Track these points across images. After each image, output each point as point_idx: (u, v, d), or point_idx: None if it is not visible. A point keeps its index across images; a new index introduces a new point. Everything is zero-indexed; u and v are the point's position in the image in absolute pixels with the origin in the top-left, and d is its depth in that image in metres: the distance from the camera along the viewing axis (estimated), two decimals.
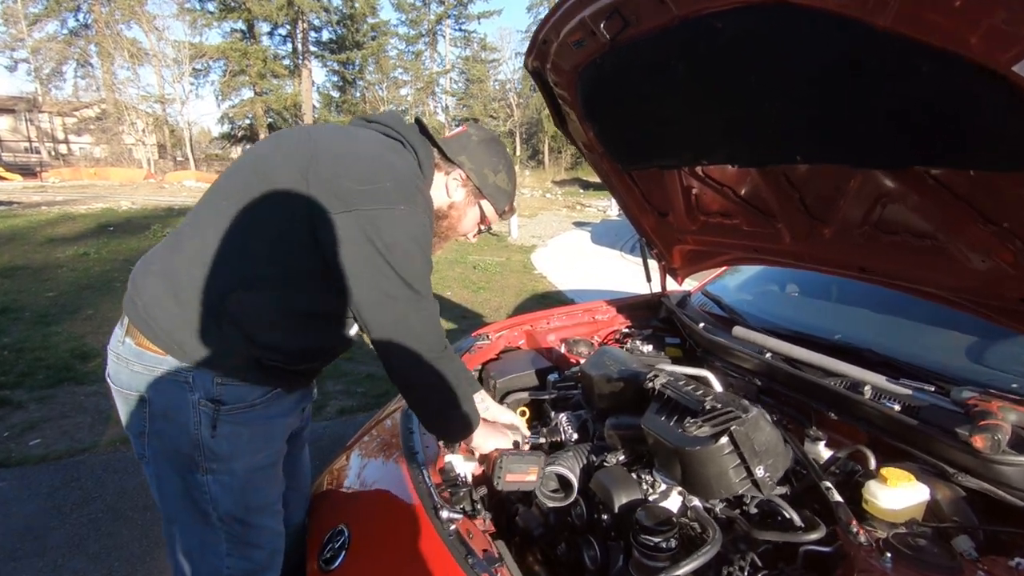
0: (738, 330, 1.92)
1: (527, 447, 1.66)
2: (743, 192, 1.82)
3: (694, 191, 2.01)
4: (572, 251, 10.53)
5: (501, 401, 2.04)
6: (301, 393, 1.41)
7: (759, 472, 1.17)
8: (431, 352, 1.27)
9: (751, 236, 1.91)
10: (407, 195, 1.24)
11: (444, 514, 1.28)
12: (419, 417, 1.45)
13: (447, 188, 1.48)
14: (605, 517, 1.44)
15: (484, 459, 1.57)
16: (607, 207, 18.21)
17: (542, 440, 1.73)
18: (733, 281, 2.73)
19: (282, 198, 1.21)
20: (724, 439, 1.15)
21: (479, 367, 2.24)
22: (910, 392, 1.44)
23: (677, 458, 1.24)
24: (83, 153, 30.32)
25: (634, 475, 1.47)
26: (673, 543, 1.24)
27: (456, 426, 1.42)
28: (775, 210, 1.71)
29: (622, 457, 1.51)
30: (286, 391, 1.32)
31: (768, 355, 1.79)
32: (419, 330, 1.25)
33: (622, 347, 2.30)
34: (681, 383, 1.38)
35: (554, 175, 38.96)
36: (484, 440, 1.50)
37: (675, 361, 2.21)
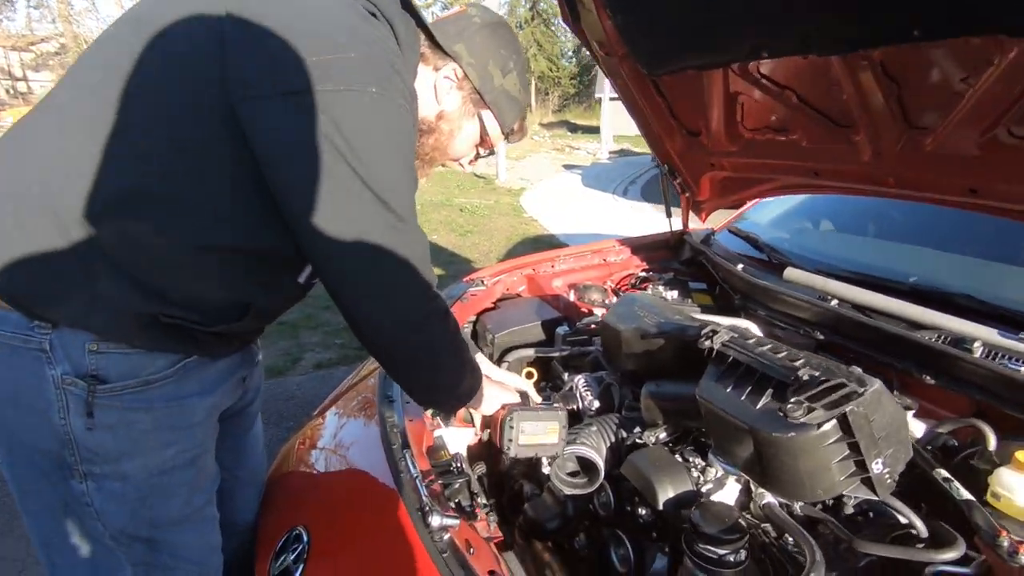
0: (792, 272, 1.57)
1: None
2: (810, 95, 1.42)
3: (741, 99, 1.60)
4: (563, 194, 10.06)
5: (500, 360, 1.69)
6: (234, 360, 1.04)
7: (876, 467, 0.83)
8: (419, 305, 0.90)
9: (813, 155, 1.53)
10: (380, 74, 0.83)
11: (435, 520, 0.94)
12: (407, 391, 1.10)
13: (436, 90, 1.07)
14: (643, 512, 1.12)
15: (486, 423, 1.23)
16: (597, 150, 17.58)
17: (556, 406, 1.39)
18: (763, 217, 2.35)
19: (183, 75, 0.80)
20: (830, 423, 0.81)
21: (472, 319, 1.87)
22: None
23: (753, 444, 0.90)
24: (44, 91, 28.52)
25: (678, 457, 1.14)
26: (743, 555, 0.93)
27: (455, 396, 1.07)
28: (855, 116, 1.32)
29: (663, 435, 1.18)
30: (206, 359, 0.95)
31: (834, 302, 1.44)
32: (401, 273, 0.88)
33: (638, 292, 1.94)
34: (751, 341, 1.02)
35: (541, 117, 37.68)
36: (487, 400, 1.16)
37: (704, 310, 1.87)
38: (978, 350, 1.17)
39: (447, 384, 1.03)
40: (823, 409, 0.79)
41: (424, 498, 0.98)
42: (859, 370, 0.86)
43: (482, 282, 1.98)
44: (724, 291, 1.94)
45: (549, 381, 1.64)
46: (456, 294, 1.90)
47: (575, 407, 1.40)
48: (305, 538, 1.06)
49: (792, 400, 0.82)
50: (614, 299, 1.95)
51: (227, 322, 0.92)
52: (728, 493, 1.10)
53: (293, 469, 1.32)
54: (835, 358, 1.45)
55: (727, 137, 1.74)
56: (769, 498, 0.99)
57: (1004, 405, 1.09)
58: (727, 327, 1.10)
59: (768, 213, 2.37)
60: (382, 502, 1.05)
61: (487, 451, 1.48)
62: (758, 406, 0.91)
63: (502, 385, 1.21)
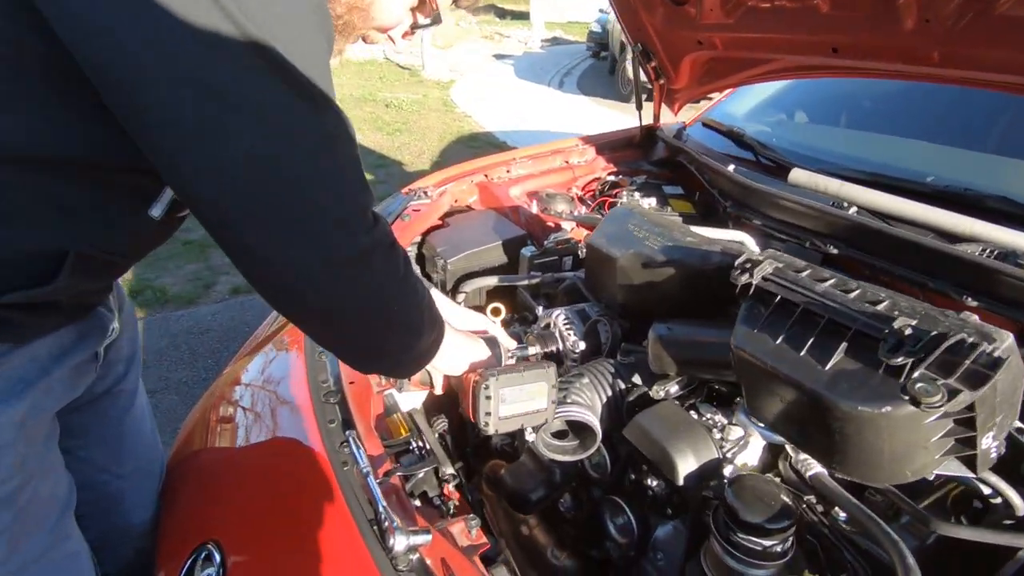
0: (799, 174, 1.33)
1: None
2: None
3: None
4: (496, 87, 9.34)
5: (455, 292, 1.39)
6: (65, 337, 0.68)
7: (986, 442, 0.63)
8: (353, 234, 0.58)
9: (833, 25, 1.23)
10: None
11: (398, 542, 0.68)
12: (345, 360, 0.79)
13: None
14: (653, 484, 0.91)
15: (451, 385, 0.96)
16: (528, 38, 16.41)
17: (532, 351, 1.14)
18: (738, 109, 2.07)
19: None
20: (939, 395, 0.59)
21: (417, 240, 1.55)
22: None
23: (817, 412, 0.68)
24: None
25: (693, 414, 0.93)
26: (790, 542, 0.74)
27: (412, 358, 0.77)
28: None
29: (674, 388, 0.95)
30: (14, 344, 0.60)
31: (852, 209, 1.22)
32: (322, 187, 0.56)
33: (611, 200, 1.67)
34: (804, 274, 0.78)
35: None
36: (452, 358, 0.88)
37: (686, 219, 1.62)
38: None
39: (400, 344, 0.73)
40: (963, 385, 0.56)
41: (381, 508, 0.72)
42: (974, 317, 0.64)
43: (425, 193, 1.63)
44: (706, 197, 1.69)
45: (520, 319, 1.37)
46: (394, 210, 1.54)
47: (554, 348, 1.15)
48: (217, 559, 0.79)
49: (916, 372, 0.58)
50: (582, 209, 1.67)
51: (32, 284, 0.57)
52: (752, 453, 0.91)
53: (201, 456, 1.02)
54: (847, 277, 1.27)
55: (723, 6, 1.41)
56: (817, 467, 0.79)
57: None
58: (767, 255, 0.85)
59: (743, 104, 2.09)
60: (321, 508, 0.78)
61: (447, 401, 1.22)
62: (828, 365, 0.68)
63: (467, 334, 0.92)
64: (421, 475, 0.84)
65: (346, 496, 0.77)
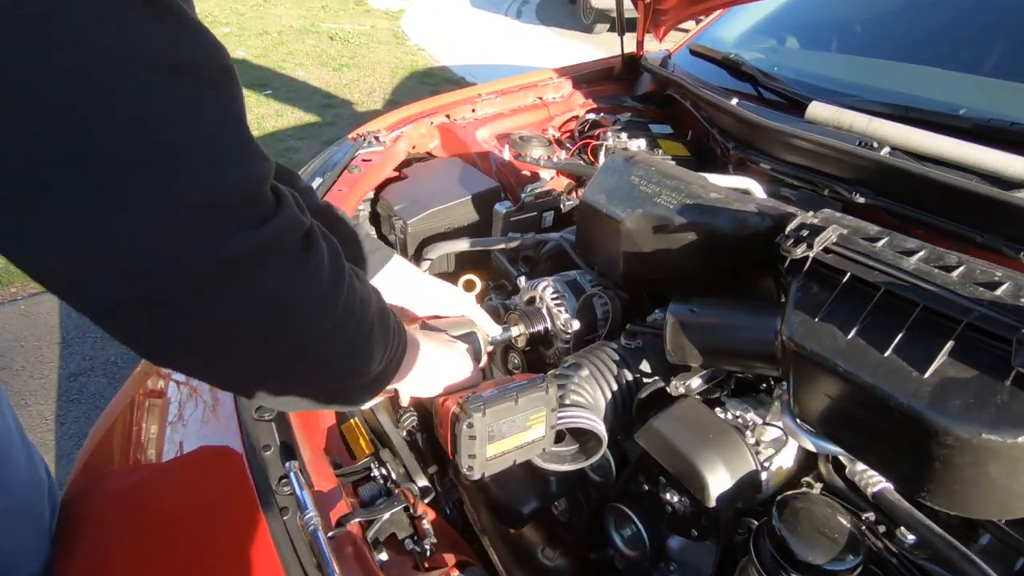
0: (819, 109, 1.13)
1: (491, 352, 0.88)
2: None
3: None
4: (449, 16, 8.69)
5: (417, 259, 1.17)
6: None
7: None
8: (225, 234, 0.35)
9: None
10: None
11: None
12: (261, 403, 0.57)
13: None
14: (674, 500, 0.75)
15: (424, 404, 0.76)
16: None
17: (516, 332, 0.95)
18: (727, 34, 1.84)
19: None
20: None
21: (370, 196, 1.30)
22: None
23: (914, 434, 0.51)
24: None
25: (720, 412, 0.76)
26: None
27: (358, 385, 0.55)
28: None
29: (697, 381, 0.78)
30: None
31: (884, 150, 1.04)
32: (161, 152, 0.32)
33: (594, 143, 1.44)
34: (881, 243, 0.60)
35: None
36: (419, 378, 0.67)
37: (680, 164, 1.42)
38: None
39: (334, 376, 0.50)
40: None
41: (326, 555, 0.53)
42: None
43: (376, 139, 1.37)
44: (701, 137, 1.49)
45: (496, 288, 1.17)
46: (339, 160, 1.28)
47: (542, 328, 0.96)
48: None
49: None
50: (561, 154, 1.44)
51: None
52: (787, 454, 0.76)
53: (104, 488, 0.80)
54: (876, 231, 1.10)
55: None
56: (883, 482, 0.64)
57: None
58: (815, 217, 0.66)
59: (734, 28, 1.85)
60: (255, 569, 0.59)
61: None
62: (929, 372, 0.51)
63: (437, 341, 0.71)
64: (388, 516, 0.65)
65: (285, 560, 0.57)
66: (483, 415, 0.63)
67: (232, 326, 0.38)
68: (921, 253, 0.56)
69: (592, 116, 1.60)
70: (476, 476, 0.64)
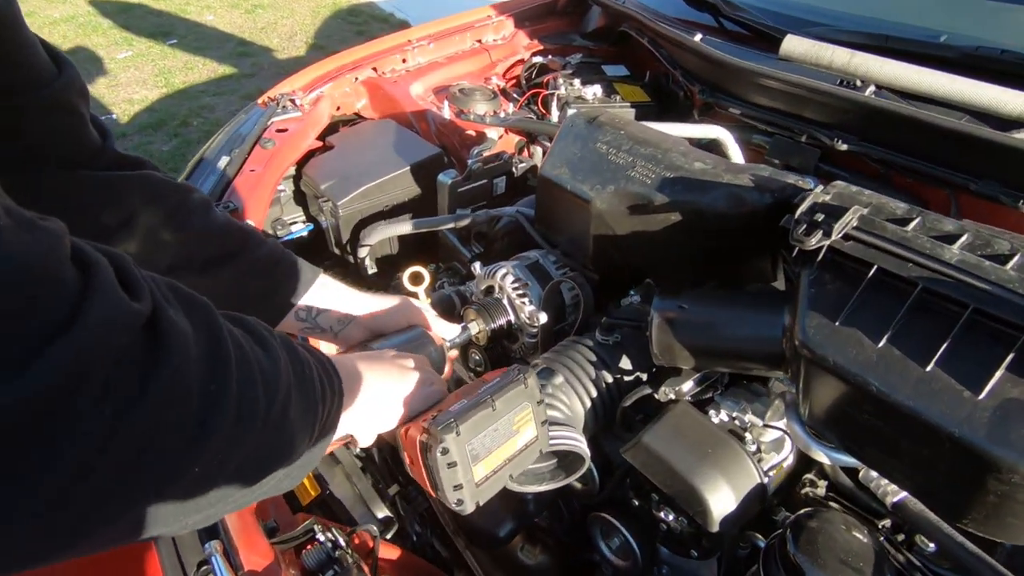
0: (794, 43, 1.00)
1: (452, 358, 0.75)
2: None
3: None
4: None
5: (353, 247, 1.02)
6: None
7: None
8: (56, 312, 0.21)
9: None
10: None
11: None
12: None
13: None
14: (670, 519, 0.67)
15: (384, 441, 0.64)
16: None
17: (475, 330, 0.82)
18: None
19: None
20: None
21: (291, 173, 1.12)
22: None
23: (967, 469, 0.43)
24: None
25: (714, 415, 0.67)
26: None
27: (294, 467, 0.42)
28: None
29: (688, 385, 0.68)
30: None
31: (870, 89, 0.93)
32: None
33: (544, 92, 1.28)
34: (912, 225, 0.49)
35: None
36: (369, 418, 0.54)
37: (641, 110, 1.28)
38: None
39: (259, 476, 0.36)
40: None
41: None
42: None
43: (292, 102, 1.16)
44: (661, 77, 1.34)
45: (441, 266, 1.03)
46: (249, 132, 1.08)
47: (504, 322, 0.84)
48: None
49: None
50: (509, 108, 1.27)
51: None
52: (785, 452, 0.68)
53: None
54: (862, 179, 1.02)
55: None
56: (904, 495, 0.56)
57: None
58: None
59: None
60: None
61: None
62: (984, 393, 0.42)
63: (378, 363, 0.58)
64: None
65: None
66: (456, 435, 0.51)
67: (52, 503, 0.23)
68: (964, 238, 0.46)
69: (539, 59, 1.42)
70: (470, 509, 0.53)
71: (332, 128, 1.22)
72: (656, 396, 0.67)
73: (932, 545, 0.59)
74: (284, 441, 0.37)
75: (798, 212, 0.52)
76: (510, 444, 0.56)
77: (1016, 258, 0.44)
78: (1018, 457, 0.39)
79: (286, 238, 1.12)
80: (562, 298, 0.84)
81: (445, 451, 0.50)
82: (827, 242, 0.50)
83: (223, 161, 1.01)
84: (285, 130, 1.09)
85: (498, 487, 0.56)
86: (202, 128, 3.24)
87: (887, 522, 0.61)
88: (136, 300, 0.26)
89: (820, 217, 0.50)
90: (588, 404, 0.70)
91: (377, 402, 0.54)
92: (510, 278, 0.84)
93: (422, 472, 0.53)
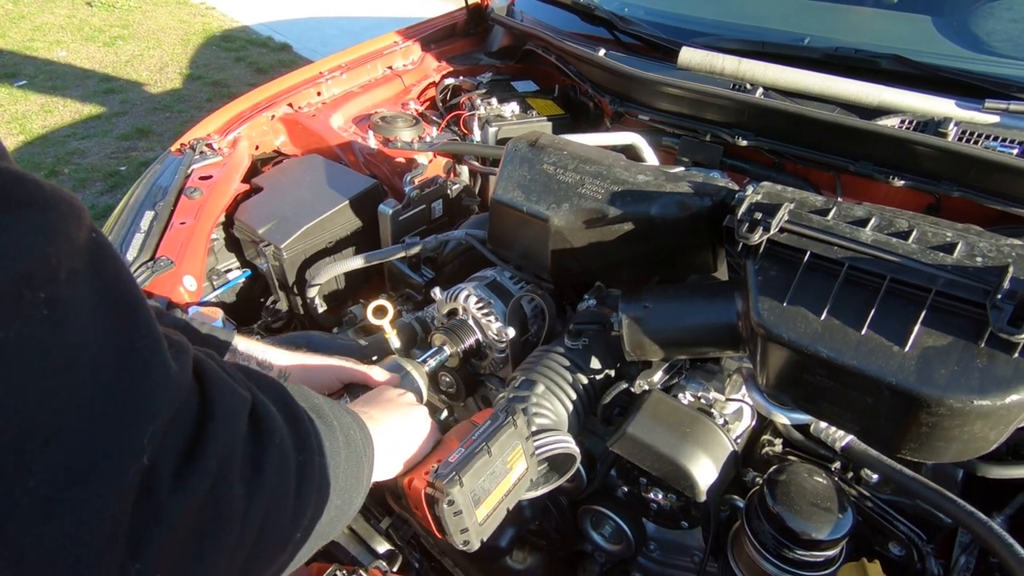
0: (690, 55, 1.11)
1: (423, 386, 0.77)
2: None
3: None
4: None
5: (300, 288, 1.01)
6: None
7: None
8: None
9: None
10: None
11: None
12: None
13: None
14: (659, 497, 0.74)
15: (386, 487, 0.65)
16: None
17: (448, 353, 0.85)
18: None
19: None
20: None
21: (221, 219, 1.08)
22: None
23: (903, 410, 0.52)
24: None
25: (681, 396, 0.74)
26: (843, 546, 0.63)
27: (339, 520, 0.43)
28: None
29: (659, 375, 0.75)
30: None
31: (759, 91, 1.06)
32: None
33: (465, 114, 1.32)
34: (831, 214, 0.59)
35: None
36: (383, 459, 0.55)
37: (557, 123, 1.36)
38: (952, 132, 0.93)
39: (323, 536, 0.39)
40: None
41: None
42: None
43: (210, 147, 1.12)
44: (568, 90, 1.43)
45: (397, 293, 1.04)
46: (170, 184, 1.03)
47: (473, 341, 0.87)
48: None
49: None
50: (432, 132, 1.30)
51: None
52: (745, 419, 0.77)
53: None
54: (760, 168, 1.15)
55: None
56: (848, 436, 0.67)
57: (985, 197, 0.89)
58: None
59: None
60: None
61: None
62: (908, 345, 0.51)
63: (383, 401, 0.60)
64: None
65: None
66: (460, 486, 0.55)
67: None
68: (873, 221, 0.56)
69: (451, 80, 1.47)
70: (476, 547, 0.56)
71: (256, 168, 1.19)
72: (632, 389, 0.74)
73: (876, 476, 0.70)
74: (347, 502, 0.39)
75: (739, 212, 0.60)
76: (506, 482, 0.61)
77: (914, 233, 0.54)
78: (941, 392, 0.49)
79: (222, 288, 1.08)
80: (522, 309, 0.89)
81: (452, 503, 0.54)
82: (767, 236, 0.59)
83: (147, 217, 0.96)
84: (209, 177, 1.06)
85: (499, 521, 0.60)
86: (76, 176, 2.96)
87: (837, 464, 0.72)
88: (240, 387, 0.27)
89: (759, 215, 0.59)
90: (570, 407, 0.76)
91: (388, 449, 0.56)
92: (473, 299, 0.88)
93: (428, 519, 0.56)
